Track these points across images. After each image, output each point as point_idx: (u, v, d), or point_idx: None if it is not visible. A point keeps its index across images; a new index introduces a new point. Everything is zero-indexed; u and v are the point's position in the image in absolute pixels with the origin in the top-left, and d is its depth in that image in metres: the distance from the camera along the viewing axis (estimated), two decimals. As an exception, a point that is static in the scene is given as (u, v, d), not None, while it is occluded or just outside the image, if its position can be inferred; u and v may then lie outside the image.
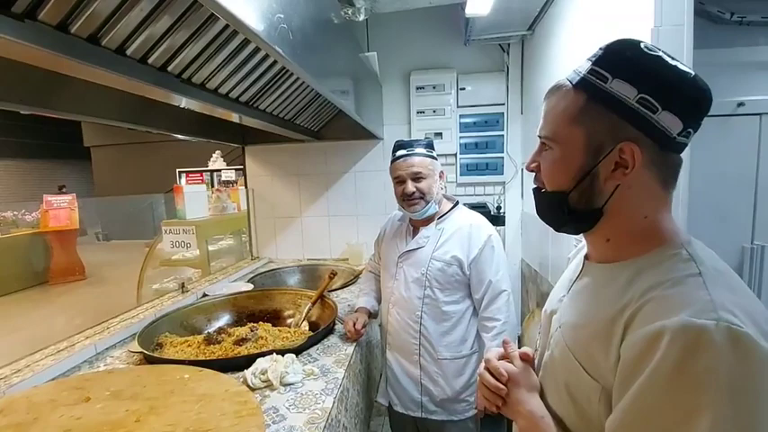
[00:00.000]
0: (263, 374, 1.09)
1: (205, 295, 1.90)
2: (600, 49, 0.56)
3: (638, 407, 0.46)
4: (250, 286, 2.04)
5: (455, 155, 2.49)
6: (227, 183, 5.10)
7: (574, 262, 0.75)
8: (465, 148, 2.47)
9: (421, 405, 1.42)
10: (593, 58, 0.56)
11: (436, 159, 1.42)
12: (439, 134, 2.44)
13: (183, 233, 2.87)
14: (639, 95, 0.52)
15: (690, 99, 0.52)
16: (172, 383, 1.03)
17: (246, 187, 2.72)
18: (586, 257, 0.67)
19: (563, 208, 0.60)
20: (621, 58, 0.54)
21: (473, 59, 2.41)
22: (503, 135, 2.43)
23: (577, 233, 0.64)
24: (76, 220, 6.05)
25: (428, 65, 2.44)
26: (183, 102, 1.24)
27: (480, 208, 2.31)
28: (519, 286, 2.48)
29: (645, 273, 0.53)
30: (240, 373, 1.11)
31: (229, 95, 1.38)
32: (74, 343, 1.34)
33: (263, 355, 1.17)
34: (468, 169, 2.49)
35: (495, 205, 2.46)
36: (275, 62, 1.33)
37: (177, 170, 6.59)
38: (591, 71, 0.55)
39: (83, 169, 9.66)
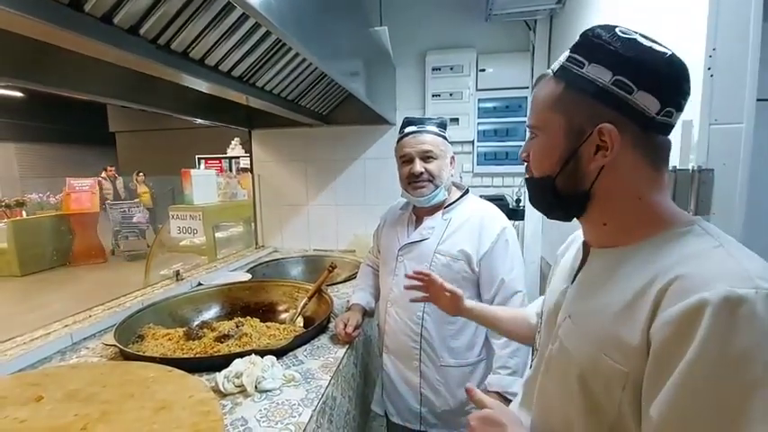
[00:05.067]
0: (237, 378, 0.97)
1: (200, 284, 1.80)
2: (579, 36, 0.57)
3: (689, 385, 0.43)
4: (248, 276, 1.94)
5: (472, 142, 2.31)
6: (245, 170, 5.07)
7: (570, 253, 0.73)
8: (483, 135, 2.28)
9: (420, 417, 1.27)
10: (572, 47, 0.58)
11: (448, 140, 1.26)
12: (455, 120, 2.26)
13: (189, 218, 2.81)
14: (615, 77, 0.53)
15: (665, 77, 0.53)
16: (134, 385, 0.92)
17: (252, 173, 2.61)
18: (585, 245, 0.65)
19: (550, 192, 0.61)
20: (596, 44, 0.55)
21: (495, 38, 2.21)
22: (525, 121, 2.23)
23: (569, 218, 0.63)
24: (98, 203, 6.18)
25: (445, 44, 2.25)
26: (165, 72, 1.13)
27: (498, 200, 2.13)
28: (537, 287, 2.29)
29: (660, 251, 0.52)
30: (214, 375, 1.00)
31: (219, 67, 1.26)
32: (50, 331, 1.26)
33: (241, 355, 1.05)
34: (486, 158, 2.30)
35: (515, 198, 2.27)
36: (268, 32, 1.20)
37: (196, 156, 6.61)
38: (569, 59, 0.57)
39: (108, 154, 9.88)
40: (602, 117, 0.54)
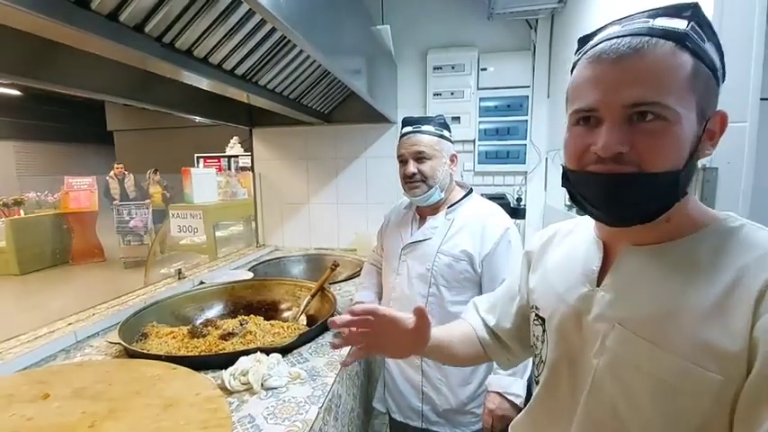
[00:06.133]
0: (243, 375, 0.97)
1: (202, 283, 1.80)
2: (683, 5, 0.48)
3: None
4: (250, 275, 1.94)
5: (473, 141, 2.31)
6: (244, 169, 5.05)
7: (563, 250, 0.67)
8: (485, 134, 2.29)
9: (422, 415, 1.28)
10: (687, 14, 0.47)
11: (448, 139, 1.26)
12: (457, 118, 2.26)
13: (190, 217, 2.80)
14: (722, 65, 0.49)
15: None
16: (140, 382, 0.92)
17: (253, 171, 2.61)
18: (605, 243, 0.59)
19: (674, 192, 0.49)
20: (708, 22, 0.48)
21: (496, 37, 2.21)
22: (526, 120, 2.24)
23: (650, 221, 0.51)
24: (96, 202, 6.16)
25: (447, 42, 2.26)
26: (169, 70, 1.13)
27: (499, 199, 2.14)
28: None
29: (726, 248, 0.48)
30: (220, 373, 1.00)
31: (223, 66, 1.26)
32: (54, 329, 1.26)
33: (246, 353, 1.06)
34: (488, 157, 2.31)
35: (516, 197, 2.28)
36: (273, 29, 1.20)
37: (195, 155, 6.59)
38: (692, 29, 0.47)
39: (106, 153, 9.85)
40: (714, 103, 0.49)
